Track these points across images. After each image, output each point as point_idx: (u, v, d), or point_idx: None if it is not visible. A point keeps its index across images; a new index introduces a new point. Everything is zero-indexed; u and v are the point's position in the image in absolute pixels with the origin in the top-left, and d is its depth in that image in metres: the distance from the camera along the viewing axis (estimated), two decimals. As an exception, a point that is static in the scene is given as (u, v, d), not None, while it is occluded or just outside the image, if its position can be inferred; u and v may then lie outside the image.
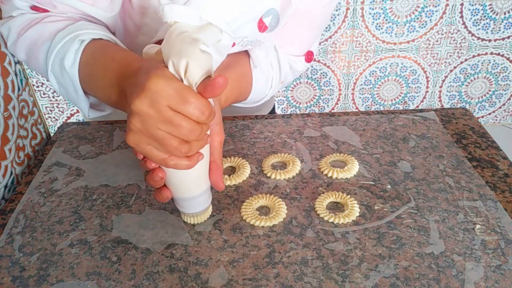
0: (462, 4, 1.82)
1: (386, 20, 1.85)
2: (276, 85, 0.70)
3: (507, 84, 2.06)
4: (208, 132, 0.49)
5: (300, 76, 1.99)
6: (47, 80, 0.56)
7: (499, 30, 1.90)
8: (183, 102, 0.41)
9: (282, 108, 2.09)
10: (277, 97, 2.02)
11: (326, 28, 1.86)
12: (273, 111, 0.93)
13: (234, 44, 0.60)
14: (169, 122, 0.41)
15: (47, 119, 2.06)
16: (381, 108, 2.11)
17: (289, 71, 0.71)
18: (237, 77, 0.64)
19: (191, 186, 0.51)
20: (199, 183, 0.52)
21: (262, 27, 0.60)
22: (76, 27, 0.54)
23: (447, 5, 1.82)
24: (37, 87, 1.95)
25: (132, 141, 0.44)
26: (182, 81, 0.42)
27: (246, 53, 0.67)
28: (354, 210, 0.56)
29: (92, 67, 0.52)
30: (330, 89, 2.04)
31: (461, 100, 2.11)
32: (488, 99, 2.11)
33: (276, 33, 0.64)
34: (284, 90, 2.03)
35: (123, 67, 0.48)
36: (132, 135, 0.43)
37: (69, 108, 2.03)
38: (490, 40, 1.93)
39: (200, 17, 0.45)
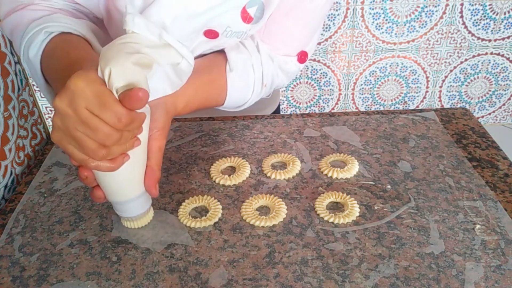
0: (462, 4, 1.82)
1: (386, 20, 1.85)
2: (259, 90, 0.67)
3: (507, 84, 2.06)
4: (145, 135, 0.49)
5: (300, 76, 1.99)
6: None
7: (499, 30, 1.90)
8: (101, 106, 0.41)
9: (282, 108, 2.09)
10: (277, 97, 2.02)
11: (326, 28, 1.86)
12: (277, 110, 0.92)
13: (218, 35, 0.59)
14: (86, 124, 0.41)
15: (47, 119, 2.06)
16: (381, 108, 2.11)
17: (281, 73, 0.68)
18: (203, 82, 0.62)
19: (123, 189, 0.50)
20: (132, 186, 0.51)
21: (246, 17, 0.58)
22: (50, 18, 0.55)
23: (447, 5, 1.82)
24: (37, 87, 1.95)
25: (55, 138, 0.44)
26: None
27: (224, 57, 0.64)
28: (354, 210, 0.56)
29: (51, 60, 0.53)
30: (330, 89, 2.04)
31: (461, 100, 2.11)
32: (488, 99, 2.11)
33: (261, 26, 0.63)
34: (284, 90, 2.03)
35: (71, 65, 0.48)
36: (55, 132, 0.43)
37: (69, 108, 2.02)
38: (490, 40, 1.93)
39: (160, 35, 0.46)
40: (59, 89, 0.44)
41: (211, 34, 0.59)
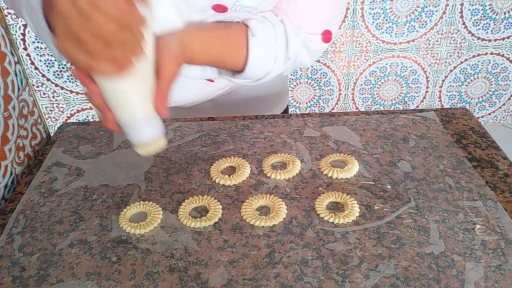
0: (462, 4, 1.82)
1: (386, 20, 1.85)
2: (282, 61, 0.64)
3: (507, 84, 2.06)
4: (152, 55, 0.48)
5: (300, 76, 1.99)
6: (22, 19, 0.53)
7: (499, 30, 1.90)
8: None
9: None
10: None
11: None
12: (286, 108, 0.91)
13: (226, 9, 0.57)
14: (87, 18, 0.40)
15: (47, 119, 2.06)
16: (381, 108, 2.11)
17: (305, 51, 0.66)
18: (222, 35, 0.59)
19: (132, 107, 0.48)
20: (142, 105, 0.49)
21: None
22: None
23: (447, 5, 1.82)
24: (37, 87, 1.95)
25: (60, 45, 0.42)
26: None
27: (243, 24, 0.62)
28: (354, 210, 0.56)
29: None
30: (330, 89, 2.04)
31: (461, 100, 2.11)
32: (488, 99, 2.11)
33: (273, 2, 0.61)
34: (284, 90, 2.03)
35: None
36: (59, 37, 0.42)
37: (69, 108, 2.03)
38: (490, 40, 1.93)
39: None
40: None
41: (219, 8, 0.57)
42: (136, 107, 0.48)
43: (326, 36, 0.66)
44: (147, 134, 0.51)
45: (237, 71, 0.63)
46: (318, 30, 0.66)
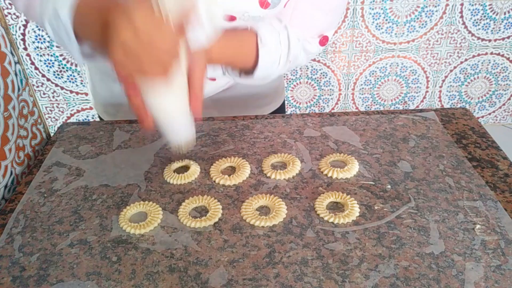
0: (462, 4, 1.82)
1: (386, 20, 1.85)
2: (284, 64, 0.70)
3: (507, 84, 2.06)
4: (184, 68, 0.54)
5: (300, 76, 1.99)
6: (42, 29, 0.58)
7: (499, 30, 1.90)
8: (155, 26, 0.46)
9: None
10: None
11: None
12: (283, 104, 0.94)
13: (235, 18, 0.62)
14: (145, 48, 0.47)
15: (47, 119, 2.06)
16: (381, 108, 2.11)
17: (303, 53, 0.72)
18: (234, 39, 0.65)
19: (172, 110, 0.55)
20: (179, 108, 0.56)
21: (264, 3, 0.61)
22: None
23: (447, 5, 1.82)
24: (37, 87, 1.95)
25: (116, 58, 0.48)
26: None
27: (252, 31, 0.67)
28: (354, 210, 0.56)
29: (84, 7, 0.55)
30: (330, 89, 2.04)
31: (461, 100, 2.11)
32: (488, 99, 2.11)
33: (278, 11, 0.66)
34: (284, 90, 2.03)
35: (110, 2, 0.51)
36: (116, 53, 0.47)
37: (69, 108, 2.03)
38: (490, 40, 1.93)
39: None
40: (100, 27, 0.48)
41: (229, 17, 0.62)
42: (175, 110, 0.56)
43: (323, 40, 0.73)
44: (183, 133, 0.58)
45: (245, 72, 0.69)
46: (317, 34, 0.72)
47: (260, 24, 0.66)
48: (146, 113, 0.55)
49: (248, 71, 0.68)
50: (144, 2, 0.46)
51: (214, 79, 0.77)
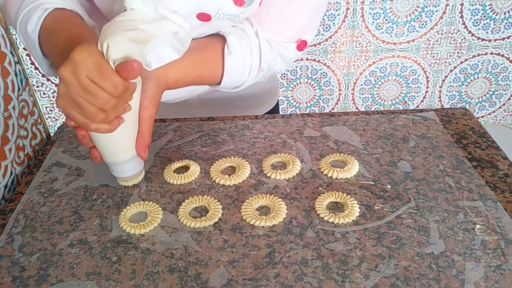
0: (462, 4, 1.82)
1: (386, 20, 1.85)
2: (256, 73, 0.68)
3: (507, 84, 2.07)
4: (136, 103, 0.55)
5: (300, 76, 1.99)
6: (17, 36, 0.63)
7: (499, 30, 1.90)
8: (100, 75, 0.47)
9: (282, 108, 2.09)
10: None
11: (326, 28, 1.86)
12: (276, 106, 0.93)
13: (210, 18, 0.60)
14: (87, 91, 0.48)
15: (47, 119, 2.06)
16: (381, 108, 2.11)
17: (279, 59, 0.69)
18: (196, 60, 0.63)
19: (117, 151, 0.57)
20: (125, 148, 0.57)
21: (238, 1, 0.59)
22: None
23: (447, 5, 1.82)
24: (37, 87, 1.95)
25: (60, 104, 0.50)
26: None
27: (220, 39, 0.65)
28: (354, 210, 0.56)
29: (51, 35, 0.57)
30: (330, 89, 2.04)
31: (461, 100, 2.11)
32: (488, 99, 2.11)
33: (254, 10, 0.63)
34: (284, 90, 2.03)
35: (71, 41, 0.53)
36: (60, 99, 0.50)
37: (69, 108, 2.03)
38: (490, 40, 1.93)
39: (155, 8, 0.53)
40: (60, 61, 0.49)
41: (203, 17, 0.60)
42: (121, 151, 0.57)
43: (300, 44, 0.70)
44: (130, 170, 0.60)
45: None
46: (293, 38, 0.69)
47: (231, 30, 0.65)
48: (95, 150, 0.57)
49: (218, 81, 0.67)
50: (94, 53, 0.48)
51: None
